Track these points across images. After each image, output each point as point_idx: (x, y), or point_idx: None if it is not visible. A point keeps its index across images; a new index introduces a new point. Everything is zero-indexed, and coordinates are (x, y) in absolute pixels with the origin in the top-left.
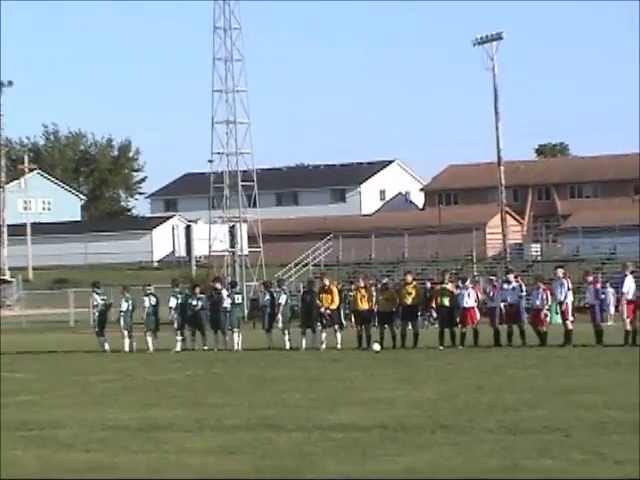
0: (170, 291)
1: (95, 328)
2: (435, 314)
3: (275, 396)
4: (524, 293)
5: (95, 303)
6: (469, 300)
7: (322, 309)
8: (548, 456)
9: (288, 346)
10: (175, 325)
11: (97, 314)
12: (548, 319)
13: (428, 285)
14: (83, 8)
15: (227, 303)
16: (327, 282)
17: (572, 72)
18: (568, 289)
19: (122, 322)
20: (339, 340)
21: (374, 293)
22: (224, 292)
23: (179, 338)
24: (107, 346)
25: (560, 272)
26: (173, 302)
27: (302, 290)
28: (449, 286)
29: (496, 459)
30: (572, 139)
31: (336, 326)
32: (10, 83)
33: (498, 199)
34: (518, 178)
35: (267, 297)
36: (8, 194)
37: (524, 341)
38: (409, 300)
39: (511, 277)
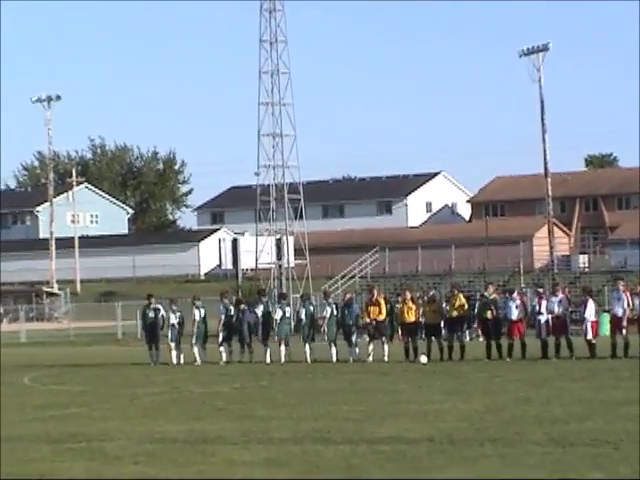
0: (220, 303)
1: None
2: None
3: (323, 409)
4: (570, 305)
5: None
6: (516, 312)
7: (368, 320)
8: (597, 469)
9: (335, 358)
10: (220, 337)
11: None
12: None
13: (477, 296)
14: (128, 23)
15: (278, 315)
16: (375, 293)
17: (620, 82)
18: (628, 304)
19: (170, 335)
20: (386, 352)
21: (421, 305)
22: (260, 306)
23: (224, 350)
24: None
25: (621, 285)
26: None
27: (341, 304)
28: (493, 296)
29: (544, 472)
30: (622, 150)
31: (383, 338)
32: (58, 97)
33: (545, 210)
34: (565, 189)
35: (303, 310)
36: (56, 207)
37: (572, 353)
38: (455, 312)
39: (558, 289)
